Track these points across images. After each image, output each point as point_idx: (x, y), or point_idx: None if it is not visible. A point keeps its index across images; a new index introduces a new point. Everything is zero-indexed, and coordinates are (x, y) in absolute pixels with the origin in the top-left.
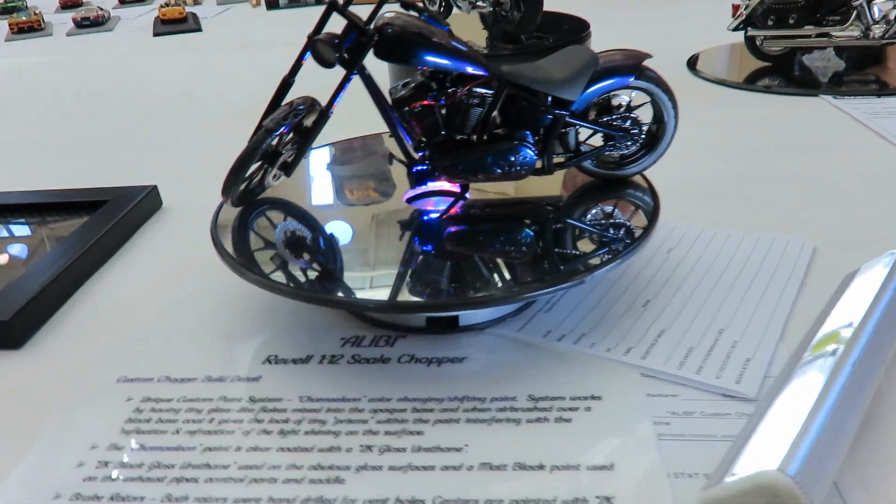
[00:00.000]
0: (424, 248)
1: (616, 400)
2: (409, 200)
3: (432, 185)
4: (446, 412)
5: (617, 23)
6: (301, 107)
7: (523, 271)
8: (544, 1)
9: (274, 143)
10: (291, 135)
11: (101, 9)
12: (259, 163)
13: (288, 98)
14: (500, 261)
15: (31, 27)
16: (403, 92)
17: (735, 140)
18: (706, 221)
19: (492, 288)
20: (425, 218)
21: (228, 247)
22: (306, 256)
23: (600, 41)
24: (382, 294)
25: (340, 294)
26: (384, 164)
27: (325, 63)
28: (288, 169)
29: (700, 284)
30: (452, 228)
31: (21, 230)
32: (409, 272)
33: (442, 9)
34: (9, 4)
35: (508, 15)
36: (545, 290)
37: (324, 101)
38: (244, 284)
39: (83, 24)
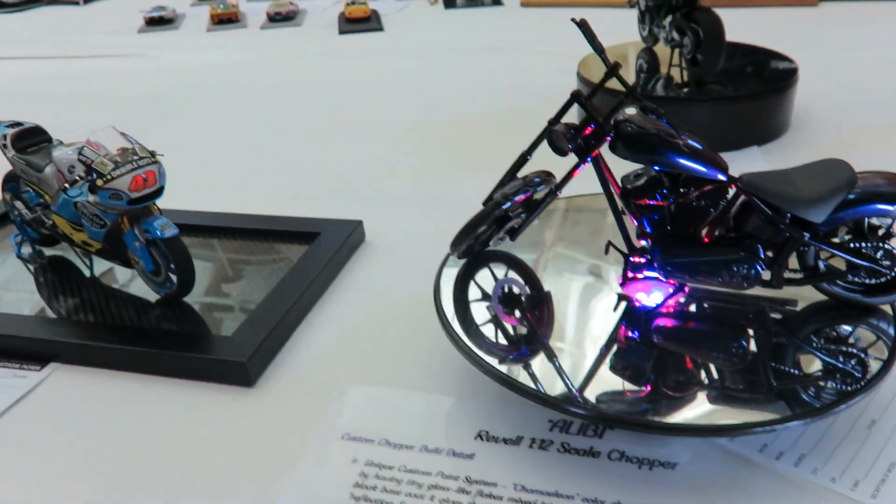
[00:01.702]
0: (632, 338)
1: None
2: (623, 283)
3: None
4: None
5: (825, 55)
6: (536, 179)
7: (741, 389)
8: (725, 44)
9: (504, 208)
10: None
11: (292, 3)
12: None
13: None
14: (717, 373)
15: (228, 19)
16: (635, 183)
17: None
18: None
19: (711, 405)
20: (637, 306)
21: (450, 314)
22: (517, 330)
23: (809, 84)
24: (592, 392)
25: (552, 394)
26: (603, 233)
27: (559, 151)
28: (513, 233)
29: None
30: (664, 323)
31: (243, 255)
32: (619, 371)
33: (648, 33)
34: None
35: (689, 57)
36: (768, 428)
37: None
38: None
39: (275, 19)
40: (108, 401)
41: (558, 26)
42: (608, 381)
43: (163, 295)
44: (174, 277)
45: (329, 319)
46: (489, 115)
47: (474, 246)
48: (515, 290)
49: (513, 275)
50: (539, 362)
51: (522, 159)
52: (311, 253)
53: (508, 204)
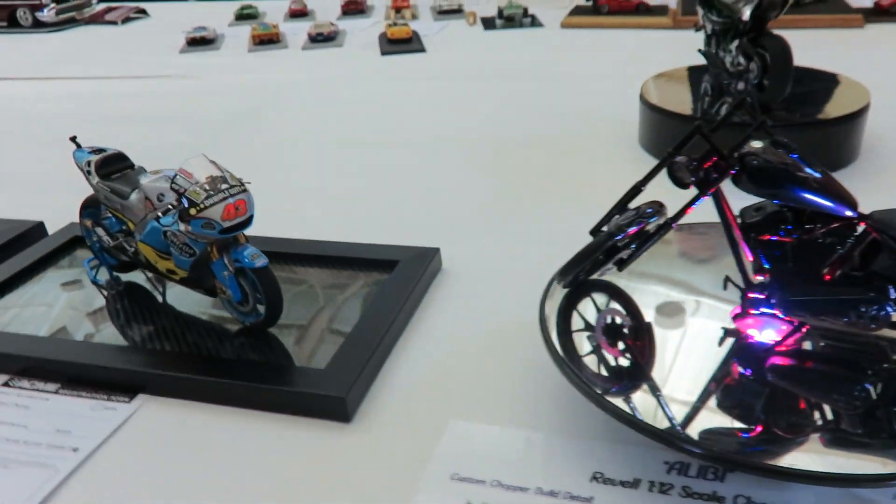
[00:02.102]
0: (745, 375)
1: None
2: (736, 317)
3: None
4: None
5: (878, 76)
6: (649, 210)
7: (859, 433)
8: (793, 70)
9: (617, 239)
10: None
11: (333, 24)
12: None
13: None
14: (832, 416)
15: (269, 39)
16: (755, 217)
17: None
18: None
19: (830, 449)
20: (751, 342)
21: (555, 341)
22: (619, 362)
23: (881, 112)
24: (703, 430)
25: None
26: (718, 265)
27: (680, 184)
28: (621, 265)
29: None
30: (780, 361)
31: (321, 282)
32: (728, 408)
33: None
34: (244, 11)
35: (756, 82)
36: None
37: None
38: (551, 369)
39: (317, 40)
40: (199, 435)
41: (600, 48)
42: (717, 418)
43: (248, 324)
44: (261, 307)
45: (417, 351)
46: (544, 137)
47: (580, 275)
48: (618, 320)
49: (615, 305)
50: (645, 397)
51: (635, 190)
52: (393, 282)
53: (621, 235)
